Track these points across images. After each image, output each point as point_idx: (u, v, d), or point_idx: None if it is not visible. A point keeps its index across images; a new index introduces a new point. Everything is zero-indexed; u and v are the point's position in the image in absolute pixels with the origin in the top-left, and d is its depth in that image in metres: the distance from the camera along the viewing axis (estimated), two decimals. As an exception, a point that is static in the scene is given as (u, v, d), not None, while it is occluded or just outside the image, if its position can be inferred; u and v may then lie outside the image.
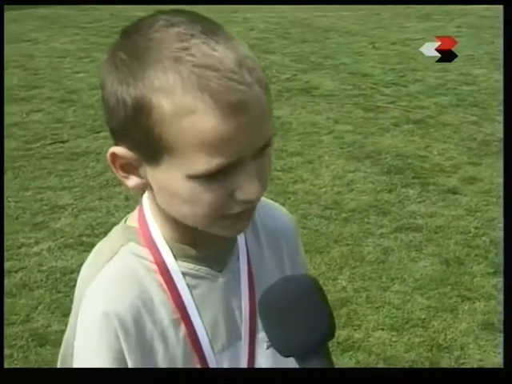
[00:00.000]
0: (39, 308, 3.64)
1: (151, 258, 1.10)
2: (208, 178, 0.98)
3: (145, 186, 1.06)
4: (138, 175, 1.04)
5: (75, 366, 1.08)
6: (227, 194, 1.01)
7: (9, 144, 5.63)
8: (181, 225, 1.08)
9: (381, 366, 3.20)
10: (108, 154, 1.04)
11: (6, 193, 4.77)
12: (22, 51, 8.69)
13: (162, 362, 1.09)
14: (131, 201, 4.74)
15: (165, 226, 1.10)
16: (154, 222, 1.11)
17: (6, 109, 6.11)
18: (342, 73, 7.92)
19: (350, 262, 4.07)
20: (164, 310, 1.09)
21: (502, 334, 3.45)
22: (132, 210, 4.40)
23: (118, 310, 1.06)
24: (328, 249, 4.20)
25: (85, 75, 7.67)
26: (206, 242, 1.11)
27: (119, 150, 1.03)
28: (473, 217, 4.60)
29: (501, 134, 5.98)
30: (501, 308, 3.63)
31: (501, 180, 5.11)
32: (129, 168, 1.04)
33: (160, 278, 1.09)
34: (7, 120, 5.95)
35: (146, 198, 1.13)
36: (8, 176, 5.07)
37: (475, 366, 3.20)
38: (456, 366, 3.20)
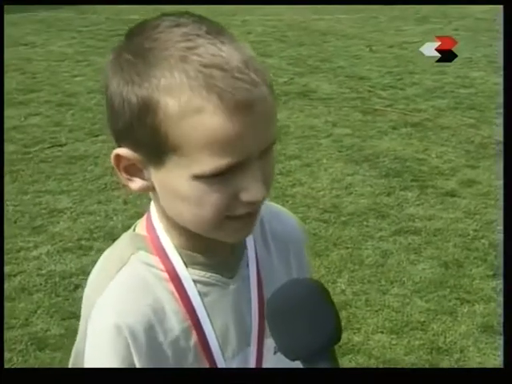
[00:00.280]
0: (38, 312, 3.63)
1: (161, 267, 1.09)
2: (213, 178, 0.98)
3: (148, 189, 1.05)
4: (143, 177, 1.04)
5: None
6: (232, 194, 1.00)
7: (7, 148, 5.62)
8: (188, 230, 1.08)
9: (381, 369, 3.20)
10: (112, 156, 1.03)
11: (5, 196, 4.76)
12: (20, 55, 8.69)
13: None
14: (129, 204, 4.74)
15: (173, 233, 1.10)
16: (162, 229, 1.10)
17: (5, 113, 6.10)
18: (339, 76, 7.93)
19: (349, 265, 4.07)
20: (175, 318, 1.08)
21: (501, 337, 3.45)
22: (131, 213, 4.39)
23: (129, 322, 1.05)
24: (327, 252, 4.20)
25: (82, 78, 7.68)
26: (215, 249, 1.11)
27: (123, 151, 1.02)
28: (471, 219, 4.60)
29: (498, 137, 5.99)
30: (500, 310, 3.64)
31: (499, 182, 5.13)
32: (133, 170, 1.04)
33: (171, 286, 1.09)
34: (6, 124, 5.94)
35: (153, 206, 1.13)
36: (6, 180, 5.06)
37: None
38: (456, 369, 3.20)
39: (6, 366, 3.20)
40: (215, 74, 0.94)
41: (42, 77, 7.80)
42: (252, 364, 1.14)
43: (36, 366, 3.23)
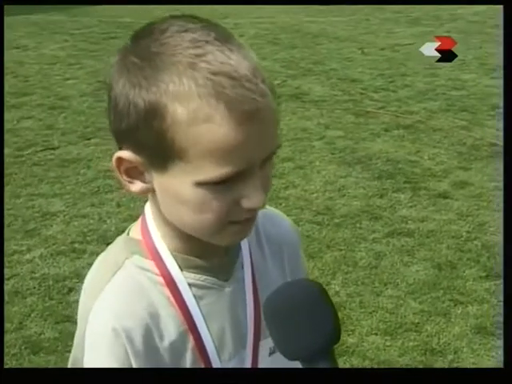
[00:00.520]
0: (32, 315, 3.63)
1: (157, 271, 1.09)
2: (216, 185, 0.99)
3: (148, 191, 1.05)
4: (143, 180, 1.04)
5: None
6: (233, 201, 1.01)
7: (-1, 151, 5.61)
8: (185, 234, 1.08)
9: (375, 370, 3.20)
10: (114, 158, 1.03)
11: (-2, 200, 4.76)
12: (12, 58, 8.67)
13: None
14: (123, 207, 4.74)
15: (169, 236, 1.10)
16: (157, 233, 1.10)
17: (-3, 116, 6.10)
18: (331, 78, 7.95)
19: (342, 267, 4.08)
20: (172, 323, 1.08)
21: (495, 338, 3.47)
22: (124, 216, 4.38)
23: (126, 326, 1.05)
24: (321, 254, 4.21)
25: (75, 82, 7.67)
26: (210, 252, 1.11)
27: (126, 153, 1.02)
28: (464, 221, 4.62)
29: (490, 139, 6.02)
30: (493, 311, 3.65)
31: (491, 184, 5.15)
32: (134, 173, 1.03)
33: (166, 291, 1.09)
34: (-2, 127, 5.93)
35: (148, 209, 1.12)
36: (-1, 183, 5.06)
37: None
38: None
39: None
40: (224, 82, 0.94)
41: (34, 80, 7.79)
42: (248, 366, 1.14)
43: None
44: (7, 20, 10.15)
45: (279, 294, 1.00)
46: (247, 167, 0.99)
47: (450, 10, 11.52)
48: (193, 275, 1.10)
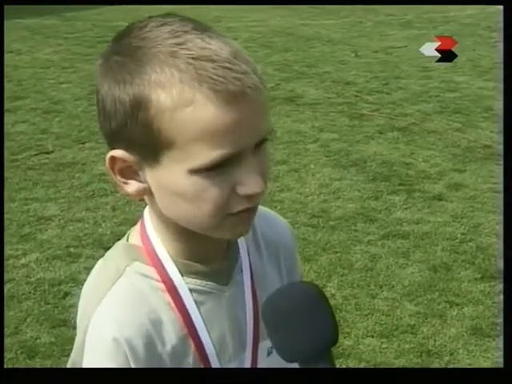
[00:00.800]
0: (28, 320, 3.62)
1: (157, 277, 1.09)
2: (210, 171, 0.97)
3: (145, 192, 1.04)
4: (138, 180, 1.03)
5: None
6: (230, 188, 0.99)
7: (-6, 155, 5.60)
8: (184, 236, 1.08)
9: (371, 372, 3.21)
10: (107, 159, 1.02)
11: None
12: (6, 62, 8.65)
13: None
14: (118, 211, 4.73)
15: (168, 240, 1.09)
16: (157, 238, 1.10)
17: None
18: (325, 81, 7.96)
19: (338, 269, 4.09)
20: (172, 328, 1.08)
21: (490, 339, 3.48)
22: (119, 219, 4.36)
23: (127, 335, 1.04)
24: (316, 257, 4.21)
25: (69, 85, 7.66)
26: (211, 255, 1.11)
27: (118, 152, 1.01)
28: (459, 223, 4.63)
29: (484, 141, 6.04)
30: (489, 313, 3.66)
31: (486, 186, 5.16)
32: (128, 172, 1.03)
33: (167, 297, 1.08)
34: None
35: (146, 214, 1.12)
36: (-7, 188, 5.05)
37: (465, 371, 3.22)
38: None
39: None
40: (206, 65, 0.95)
41: (28, 84, 7.78)
42: (247, 367, 1.14)
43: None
44: None
45: (277, 296, 1.01)
46: (239, 151, 0.97)
47: (443, 13, 11.56)
48: (193, 280, 1.10)
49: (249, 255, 1.16)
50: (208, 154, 0.96)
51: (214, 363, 1.10)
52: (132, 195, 1.05)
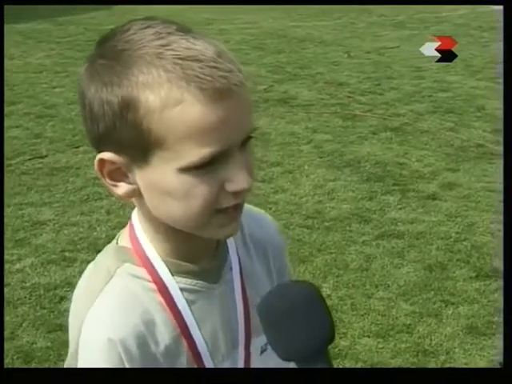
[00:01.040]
0: (23, 325, 3.61)
1: (148, 278, 1.09)
2: (199, 170, 0.99)
3: (134, 193, 1.05)
4: (128, 182, 1.04)
5: None
6: (218, 185, 1.01)
7: (-13, 161, 5.59)
8: (173, 236, 1.08)
9: (368, 372, 3.21)
10: (96, 161, 1.03)
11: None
12: (-2, 67, 8.64)
13: None
14: (113, 215, 4.73)
15: (158, 241, 1.10)
16: (146, 239, 1.11)
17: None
18: (318, 82, 7.97)
19: (333, 270, 4.09)
20: (165, 328, 1.09)
21: (486, 337, 3.49)
22: (114, 223, 4.35)
23: (121, 335, 1.05)
24: (311, 258, 4.22)
25: (62, 90, 7.65)
26: (200, 254, 1.12)
27: (107, 154, 1.02)
28: (453, 222, 4.64)
29: (477, 140, 6.06)
30: (484, 311, 3.68)
31: (479, 185, 5.18)
32: (117, 175, 1.04)
33: (159, 297, 1.09)
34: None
35: (135, 216, 1.13)
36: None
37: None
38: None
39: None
40: (192, 65, 0.96)
41: (20, 89, 7.77)
42: (240, 365, 1.15)
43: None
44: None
45: (274, 295, 1.01)
46: (227, 148, 0.99)
47: (435, 13, 11.59)
48: (184, 280, 1.11)
49: (238, 254, 1.17)
50: (197, 152, 0.98)
51: (207, 361, 1.11)
52: (121, 197, 1.05)
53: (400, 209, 4.83)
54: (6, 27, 10.77)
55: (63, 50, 9.58)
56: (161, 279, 1.09)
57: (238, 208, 1.05)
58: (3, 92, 6.60)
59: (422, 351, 3.40)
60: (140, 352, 1.06)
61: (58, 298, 3.81)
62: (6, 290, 3.92)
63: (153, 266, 1.09)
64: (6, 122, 6.63)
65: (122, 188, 1.04)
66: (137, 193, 1.05)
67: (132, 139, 0.99)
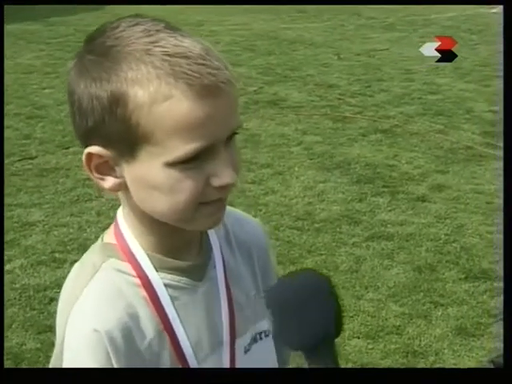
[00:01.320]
0: (13, 326, 3.60)
1: (133, 273, 1.10)
2: (185, 164, 1.01)
3: (121, 187, 1.06)
4: (115, 175, 1.05)
5: None
6: (204, 180, 1.03)
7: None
8: (158, 230, 1.10)
9: (358, 373, 3.22)
10: (83, 155, 1.05)
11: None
12: (-13, 68, 8.61)
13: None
14: (103, 216, 4.73)
15: (143, 235, 1.11)
16: (130, 234, 1.12)
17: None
18: (308, 84, 7.99)
19: (323, 271, 4.09)
20: (149, 323, 1.10)
21: (475, 338, 3.51)
22: (104, 224, 4.35)
23: (107, 328, 1.06)
24: (301, 259, 4.23)
25: (52, 91, 7.63)
26: (184, 251, 1.13)
27: (95, 148, 1.04)
28: (442, 224, 4.66)
29: (466, 142, 6.09)
30: (473, 313, 3.70)
31: (468, 187, 5.21)
32: (104, 168, 1.05)
33: (143, 292, 1.10)
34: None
35: (120, 213, 1.14)
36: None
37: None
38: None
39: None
40: (180, 61, 0.98)
41: (10, 90, 7.74)
42: (226, 365, 1.15)
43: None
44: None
45: (284, 284, 1.02)
46: (213, 144, 1.01)
47: (424, 16, 11.63)
48: (168, 276, 1.12)
49: (222, 252, 1.18)
50: (183, 148, 1.00)
51: (190, 358, 1.11)
52: (108, 190, 1.07)
53: (390, 210, 4.85)
54: (-4, 28, 10.74)
55: (53, 51, 9.55)
56: (145, 274, 1.10)
57: (222, 200, 1.07)
58: (3, 91, 6.58)
59: (411, 352, 3.42)
60: (125, 344, 1.07)
61: (47, 299, 3.80)
62: (-5, 291, 3.91)
63: (137, 261, 1.11)
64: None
65: (108, 182, 1.06)
66: (123, 186, 1.06)
67: (120, 133, 1.01)
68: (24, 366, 3.30)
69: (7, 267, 4.15)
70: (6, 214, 4.82)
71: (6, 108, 7.07)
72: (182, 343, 1.11)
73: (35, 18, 11.26)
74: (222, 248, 1.18)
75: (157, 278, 1.11)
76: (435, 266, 4.15)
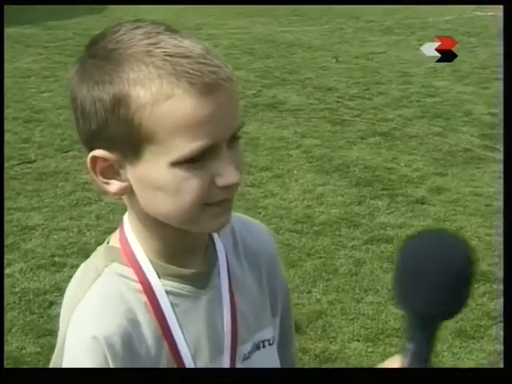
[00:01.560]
0: (13, 330, 3.60)
1: (135, 278, 1.10)
2: (189, 164, 1.01)
3: (126, 190, 1.07)
4: (120, 179, 1.06)
5: None
6: (208, 180, 1.03)
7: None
8: (163, 234, 1.10)
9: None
10: (88, 159, 1.05)
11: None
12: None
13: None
14: (102, 220, 4.73)
15: (147, 240, 1.11)
16: (135, 240, 1.12)
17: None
18: (307, 87, 8.00)
19: (323, 274, 4.11)
20: (149, 330, 1.09)
21: (475, 341, 3.51)
22: (103, 228, 4.35)
23: (106, 333, 1.06)
24: (301, 262, 4.23)
25: (50, 94, 7.64)
26: (188, 258, 1.13)
27: (99, 152, 1.04)
28: (441, 226, 4.66)
29: (465, 145, 6.09)
30: (473, 315, 3.70)
31: (467, 189, 5.21)
32: (109, 172, 1.05)
33: (144, 297, 1.10)
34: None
35: (126, 217, 1.14)
36: (-24, 198, 5.02)
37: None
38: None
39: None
40: (181, 61, 0.99)
41: (9, 93, 7.73)
42: None
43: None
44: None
45: (425, 243, 0.96)
46: (216, 143, 1.02)
47: (422, 19, 11.65)
48: (170, 283, 1.11)
49: (227, 259, 1.17)
50: (187, 146, 1.00)
51: (189, 365, 1.11)
52: (113, 194, 1.07)
53: (389, 213, 4.86)
54: (-6, 32, 10.74)
55: (51, 55, 9.56)
56: (147, 280, 1.10)
57: (228, 201, 1.07)
58: (3, 93, 6.57)
59: (411, 355, 3.41)
60: (124, 350, 1.07)
61: (47, 303, 3.80)
62: (-5, 295, 3.91)
63: (140, 267, 1.11)
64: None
65: (113, 185, 1.06)
66: (128, 190, 1.06)
67: (124, 135, 1.01)
68: (24, 370, 3.30)
69: (7, 271, 4.14)
70: (6, 217, 4.81)
71: (5, 112, 7.08)
72: (180, 350, 1.11)
73: (33, 22, 11.27)
74: (228, 255, 1.18)
75: (159, 285, 1.10)
76: (434, 269, 4.15)
